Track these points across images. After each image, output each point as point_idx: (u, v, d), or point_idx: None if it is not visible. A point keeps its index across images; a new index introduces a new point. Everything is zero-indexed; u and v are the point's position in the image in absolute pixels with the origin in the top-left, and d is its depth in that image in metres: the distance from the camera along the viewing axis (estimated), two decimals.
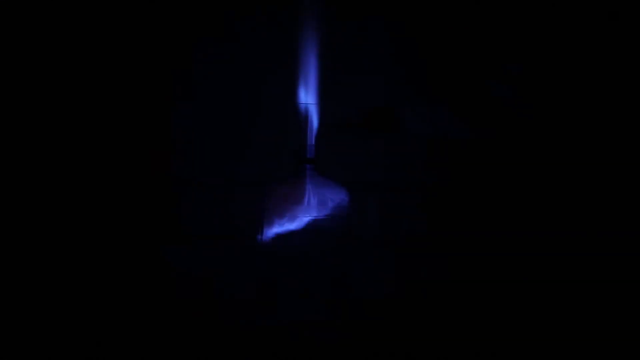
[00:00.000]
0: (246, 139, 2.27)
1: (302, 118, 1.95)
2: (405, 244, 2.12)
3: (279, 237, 1.95)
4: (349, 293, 2.00)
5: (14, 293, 2.02)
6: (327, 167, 2.02)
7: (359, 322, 1.97)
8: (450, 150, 2.16)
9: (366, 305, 2.09)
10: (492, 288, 2.15)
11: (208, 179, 2.26)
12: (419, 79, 2.25)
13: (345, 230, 1.97)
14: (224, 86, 2.27)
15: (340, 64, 2.23)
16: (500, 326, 1.98)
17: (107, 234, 2.20)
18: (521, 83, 2.24)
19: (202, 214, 2.26)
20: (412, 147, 2.13)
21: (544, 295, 2.12)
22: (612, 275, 2.12)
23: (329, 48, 2.11)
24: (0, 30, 2.12)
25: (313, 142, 2.02)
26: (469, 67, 2.24)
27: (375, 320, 2.02)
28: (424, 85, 2.22)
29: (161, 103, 2.25)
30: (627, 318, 2.02)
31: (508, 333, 1.93)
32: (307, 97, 1.97)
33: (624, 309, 2.04)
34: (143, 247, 2.23)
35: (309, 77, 1.98)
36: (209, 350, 1.76)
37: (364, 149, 2.26)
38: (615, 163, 2.17)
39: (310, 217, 1.93)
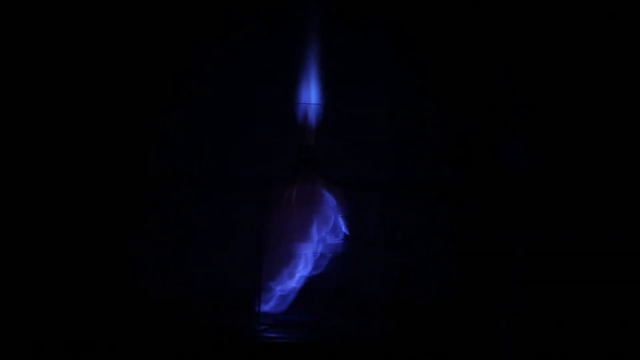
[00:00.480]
0: (247, 138, 2.27)
1: (302, 117, 1.95)
2: (409, 244, 2.12)
3: (280, 237, 1.95)
4: (350, 294, 1.99)
5: None
6: (328, 167, 2.02)
7: (359, 323, 1.96)
8: None
9: (368, 306, 2.09)
10: (500, 288, 2.15)
11: (208, 179, 2.26)
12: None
13: (347, 230, 1.96)
14: (223, 85, 2.26)
15: (342, 63, 2.23)
16: (502, 328, 1.98)
17: (97, 232, 2.20)
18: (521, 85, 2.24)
19: (201, 214, 2.26)
20: None
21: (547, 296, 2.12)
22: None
23: (330, 47, 2.11)
24: None
25: (314, 142, 2.02)
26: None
27: (376, 321, 2.02)
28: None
29: (158, 101, 2.25)
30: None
31: (512, 334, 1.93)
32: (308, 97, 1.96)
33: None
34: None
35: (311, 76, 1.98)
36: (211, 350, 1.75)
37: (365, 149, 2.26)
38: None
39: (310, 217, 1.93)
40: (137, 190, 2.24)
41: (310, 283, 1.90)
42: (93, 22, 2.19)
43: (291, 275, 1.90)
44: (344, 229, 1.94)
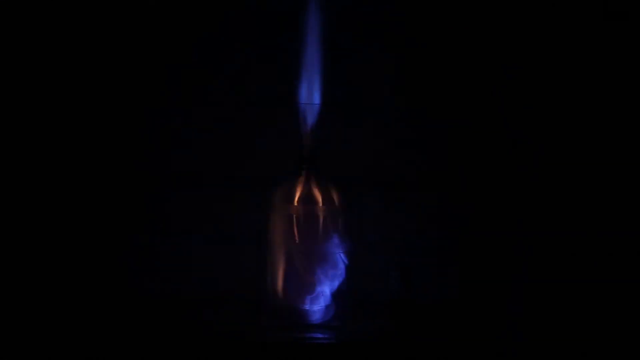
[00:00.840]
0: (247, 138, 2.27)
1: (303, 117, 1.95)
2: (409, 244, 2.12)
3: (281, 238, 1.95)
4: (350, 294, 1.99)
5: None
6: (328, 167, 2.02)
7: (359, 323, 1.96)
8: None
9: (368, 306, 2.09)
10: (501, 288, 2.15)
11: (210, 179, 2.26)
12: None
13: (348, 230, 1.97)
14: (224, 85, 2.26)
15: (342, 63, 2.23)
16: (503, 327, 1.98)
17: (98, 232, 2.21)
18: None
19: (202, 213, 2.26)
20: None
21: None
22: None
23: (331, 47, 2.12)
24: None
25: (314, 142, 2.02)
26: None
27: (376, 321, 2.02)
28: None
29: (157, 101, 2.26)
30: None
31: (513, 334, 1.93)
32: (309, 97, 1.97)
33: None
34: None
35: (312, 77, 1.99)
36: (211, 350, 1.76)
37: (365, 149, 2.26)
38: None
39: (311, 217, 1.93)
40: (138, 190, 2.24)
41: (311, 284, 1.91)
42: (93, 20, 2.19)
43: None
44: (344, 229, 1.94)
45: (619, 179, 2.16)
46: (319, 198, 1.93)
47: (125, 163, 2.23)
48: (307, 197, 1.93)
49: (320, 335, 1.82)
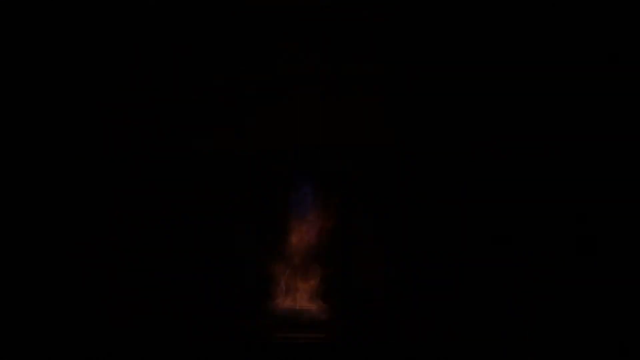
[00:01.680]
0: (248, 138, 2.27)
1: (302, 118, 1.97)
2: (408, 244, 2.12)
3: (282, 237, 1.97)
4: (350, 294, 2.01)
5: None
6: (328, 167, 2.04)
7: (359, 323, 1.98)
8: None
9: (367, 305, 2.10)
10: (500, 289, 2.15)
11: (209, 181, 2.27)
12: None
13: (347, 230, 1.99)
14: (229, 88, 2.28)
15: (339, 73, 2.25)
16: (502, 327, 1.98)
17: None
18: None
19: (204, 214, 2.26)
20: None
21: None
22: None
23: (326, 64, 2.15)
24: None
25: (314, 142, 2.03)
26: None
27: (375, 319, 2.03)
28: None
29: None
30: None
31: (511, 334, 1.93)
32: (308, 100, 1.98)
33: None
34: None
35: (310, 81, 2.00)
36: (213, 349, 1.78)
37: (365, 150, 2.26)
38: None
39: (311, 216, 1.94)
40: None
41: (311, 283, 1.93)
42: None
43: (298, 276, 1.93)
44: (343, 228, 1.95)
45: (616, 180, 2.16)
46: (315, 201, 1.94)
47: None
48: (303, 201, 1.94)
49: (319, 336, 1.84)
